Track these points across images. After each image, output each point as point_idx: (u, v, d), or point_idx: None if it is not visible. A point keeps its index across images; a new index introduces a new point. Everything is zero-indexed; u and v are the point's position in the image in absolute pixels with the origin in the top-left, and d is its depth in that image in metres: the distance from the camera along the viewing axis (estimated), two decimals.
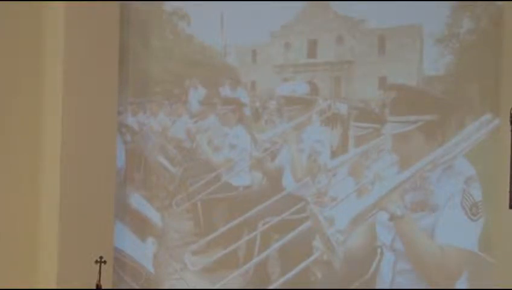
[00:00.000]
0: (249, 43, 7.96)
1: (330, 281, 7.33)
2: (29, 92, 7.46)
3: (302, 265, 7.43)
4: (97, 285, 6.18)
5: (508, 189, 5.03)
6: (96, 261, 6.23)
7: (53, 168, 7.40)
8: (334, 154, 7.56)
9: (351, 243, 7.11)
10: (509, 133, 4.94)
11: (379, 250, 7.12)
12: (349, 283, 7.20)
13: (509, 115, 5.05)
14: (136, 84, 8.17)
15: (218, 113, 8.18)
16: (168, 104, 8.26)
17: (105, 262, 6.27)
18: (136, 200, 8.20)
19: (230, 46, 8.03)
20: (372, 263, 7.15)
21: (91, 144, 7.57)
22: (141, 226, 8.13)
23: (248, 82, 8.00)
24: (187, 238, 8.08)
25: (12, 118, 7.42)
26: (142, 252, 8.09)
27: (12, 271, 7.31)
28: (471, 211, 6.76)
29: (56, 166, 7.39)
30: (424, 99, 7.09)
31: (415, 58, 7.28)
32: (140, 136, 8.30)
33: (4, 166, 7.39)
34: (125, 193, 8.15)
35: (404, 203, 6.83)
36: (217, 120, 8.18)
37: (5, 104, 7.39)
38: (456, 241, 6.74)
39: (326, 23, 7.68)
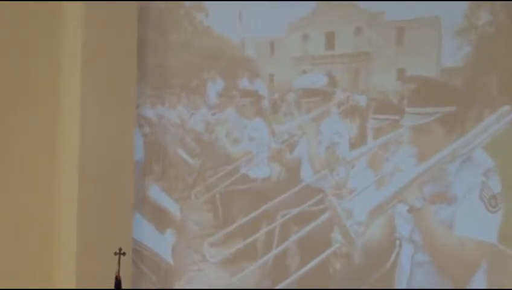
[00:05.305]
0: (267, 35, 7.96)
1: (349, 273, 7.33)
2: (47, 86, 7.48)
3: (321, 257, 7.44)
4: (116, 277, 6.21)
5: None
6: (116, 253, 6.25)
7: (72, 160, 7.42)
8: (352, 146, 7.54)
9: (369, 235, 7.10)
10: None
11: (398, 242, 7.11)
12: (367, 275, 7.20)
13: None
14: (155, 77, 8.18)
15: (237, 105, 8.18)
16: (186, 96, 8.28)
17: (124, 254, 6.28)
18: (155, 192, 8.22)
19: (249, 38, 8.03)
20: (391, 255, 7.14)
21: (110, 137, 7.60)
22: (160, 218, 8.15)
23: (266, 74, 7.99)
24: (206, 230, 8.10)
25: (30, 109, 7.45)
26: (161, 243, 8.11)
27: (30, 262, 7.36)
28: (490, 203, 6.73)
29: (75, 159, 7.41)
30: (442, 91, 7.06)
31: (434, 49, 7.24)
32: (159, 129, 8.32)
33: (24, 158, 7.43)
34: (144, 184, 8.17)
35: (422, 195, 6.81)
36: (236, 112, 8.18)
37: (24, 98, 7.43)
38: (475, 233, 6.71)
39: (345, 15, 7.65)
